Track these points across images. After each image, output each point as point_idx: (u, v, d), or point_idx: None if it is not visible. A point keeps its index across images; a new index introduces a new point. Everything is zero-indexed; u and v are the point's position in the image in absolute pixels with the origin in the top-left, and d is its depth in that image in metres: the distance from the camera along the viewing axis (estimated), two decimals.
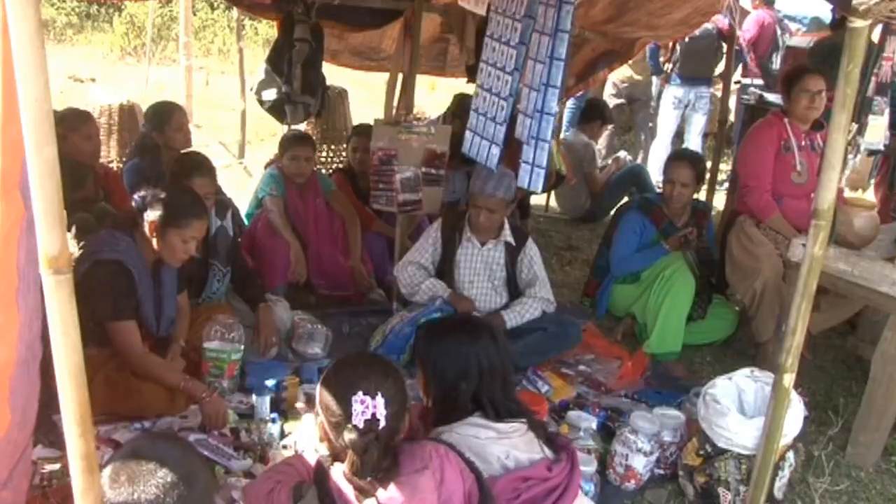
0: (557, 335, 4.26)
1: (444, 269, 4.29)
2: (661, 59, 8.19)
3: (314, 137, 6.23)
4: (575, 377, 4.17)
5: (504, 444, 2.49)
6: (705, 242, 4.86)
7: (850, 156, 3.52)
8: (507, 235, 4.29)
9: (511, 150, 3.77)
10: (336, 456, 2.18)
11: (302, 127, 6.25)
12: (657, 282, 4.57)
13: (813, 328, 4.56)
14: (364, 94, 8.77)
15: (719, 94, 7.57)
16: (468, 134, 3.70)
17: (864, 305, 4.42)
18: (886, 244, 3.91)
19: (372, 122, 4.59)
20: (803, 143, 4.61)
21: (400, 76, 4.77)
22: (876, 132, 3.64)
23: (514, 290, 4.40)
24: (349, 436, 2.05)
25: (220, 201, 4.22)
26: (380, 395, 2.06)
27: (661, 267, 4.62)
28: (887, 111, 3.68)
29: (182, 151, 4.67)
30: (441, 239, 4.26)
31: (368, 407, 2.04)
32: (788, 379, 2.89)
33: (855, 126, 3.54)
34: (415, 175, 4.49)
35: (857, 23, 2.61)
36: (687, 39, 7.71)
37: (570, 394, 3.96)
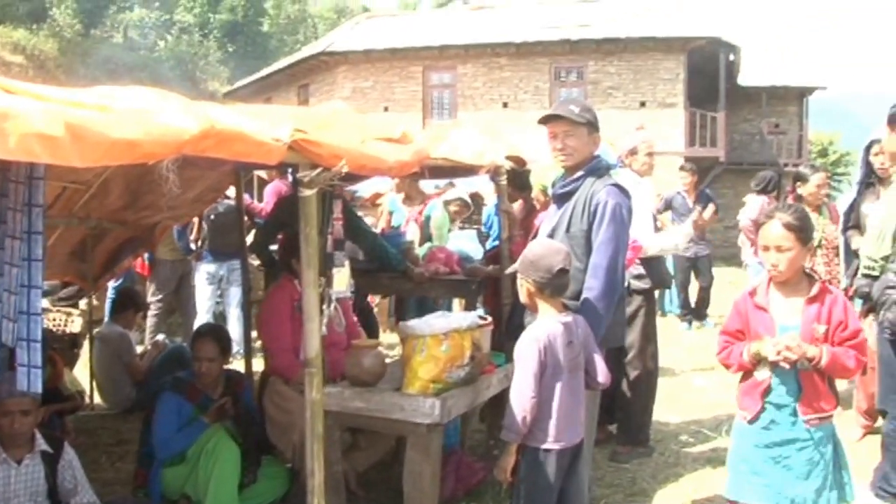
0: None
1: None
2: (190, 239, 8.37)
3: None
4: None
5: None
6: (244, 408, 5.01)
7: (323, 306, 3.96)
8: (42, 444, 4.04)
9: None
10: None
11: None
12: (202, 457, 4.59)
13: (359, 466, 4.89)
14: None
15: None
16: None
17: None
18: (398, 376, 4.36)
19: None
20: None
21: None
22: (341, 280, 4.21)
23: (56, 499, 4.12)
24: None
25: None
26: None
27: (204, 441, 4.65)
28: (347, 263, 4.27)
29: None
30: None
31: None
32: None
33: (323, 280, 4.03)
34: None
35: (306, 192, 3.03)
36: (213, 216, 8.04)
37: None
